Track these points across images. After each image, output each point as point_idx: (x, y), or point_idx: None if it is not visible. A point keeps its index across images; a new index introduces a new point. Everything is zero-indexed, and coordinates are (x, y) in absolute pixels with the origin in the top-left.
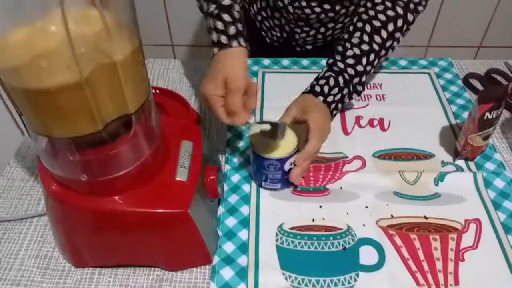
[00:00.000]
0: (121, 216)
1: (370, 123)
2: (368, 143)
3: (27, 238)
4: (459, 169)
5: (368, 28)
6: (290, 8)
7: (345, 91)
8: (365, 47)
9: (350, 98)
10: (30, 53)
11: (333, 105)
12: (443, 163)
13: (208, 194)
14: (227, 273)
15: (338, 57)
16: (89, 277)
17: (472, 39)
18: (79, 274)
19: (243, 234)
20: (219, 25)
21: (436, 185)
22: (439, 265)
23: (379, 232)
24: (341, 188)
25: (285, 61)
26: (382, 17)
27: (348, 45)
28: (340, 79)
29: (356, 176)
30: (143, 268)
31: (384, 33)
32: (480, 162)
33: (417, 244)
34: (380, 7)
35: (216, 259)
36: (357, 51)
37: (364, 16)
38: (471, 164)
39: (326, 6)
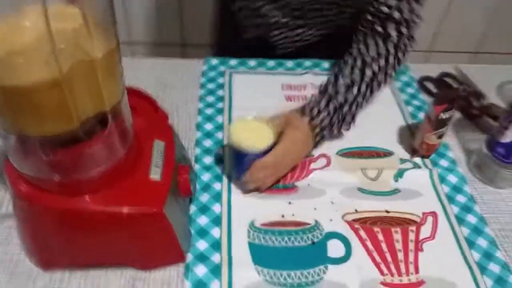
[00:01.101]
0: (94, 216)
1: None
2: (332, 142)
3: None
4: (416, 166)
5: (359, 62)
6: (267, 11)
7: (334, 118)
8: (356, 77)
9: (339, 129)
10: (6, 49)
11: (317, 129)
12: (401, 160)
13: (181, 193)
14: (200, 270)
15: (329, 85)
16: (59, 279)
17: (423, 44)
18: (48, 276)
19: (215, 232)
20: None
21: (396, 181)
22: (400, 255)
23: (345, 226)
24: (308, 185)
25: (252, 62)
26: (373, 53)
27: (339, 75)
28: (331, 105)
29: (322, 173)
30: (115, 268)
31: (375, 67)
32: (435, 159)
33: (380, 236)
34: (371, 42)
35: (189, 257)
36: (348, 81)
37: (355, 52)
38: (427, 161)
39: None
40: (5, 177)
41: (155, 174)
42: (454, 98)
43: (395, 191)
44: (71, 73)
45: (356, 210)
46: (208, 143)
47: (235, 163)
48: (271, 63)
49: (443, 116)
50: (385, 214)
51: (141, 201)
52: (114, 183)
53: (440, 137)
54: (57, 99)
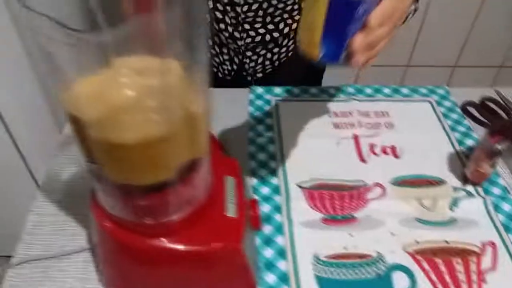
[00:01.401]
0: (176, 255)
1: (384, 150)
2: (385, 170)
3: (69, 275)
4: (469, 194)
5: None
6: (236, 34)
7: None
8: None
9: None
10: (106, 107)
11: None
12: (455, 189)
13: (252, 227)
14: None
15: None
16: None
17: (448, 59)
18: None
19: (281, 265)
20: None
21: (451, 210)
22: (465, 287)
23: (407, 258)
24: (367, 216)
25: (296, 90)
26: None
27: None
28: None
29: (379, 203)
30: None
31: None
32: (487, 187)
33: (442, 268)
34: None
35: None
36: None
37: None
38: (479, 189)
39: (270, 27)
40: (91, 213)
41: (231, 211)
42: (509, 127)
43: (452, 221)
44: (174, 128)
45: (416, 241)
46: (263, 173)
47: (339, 27)
48: (313, 90)
49: (498, 146)
50: (445, 244)
51: (221, 239)
52: (194, 221)
53: (493, 165)
54: (156, 153)
